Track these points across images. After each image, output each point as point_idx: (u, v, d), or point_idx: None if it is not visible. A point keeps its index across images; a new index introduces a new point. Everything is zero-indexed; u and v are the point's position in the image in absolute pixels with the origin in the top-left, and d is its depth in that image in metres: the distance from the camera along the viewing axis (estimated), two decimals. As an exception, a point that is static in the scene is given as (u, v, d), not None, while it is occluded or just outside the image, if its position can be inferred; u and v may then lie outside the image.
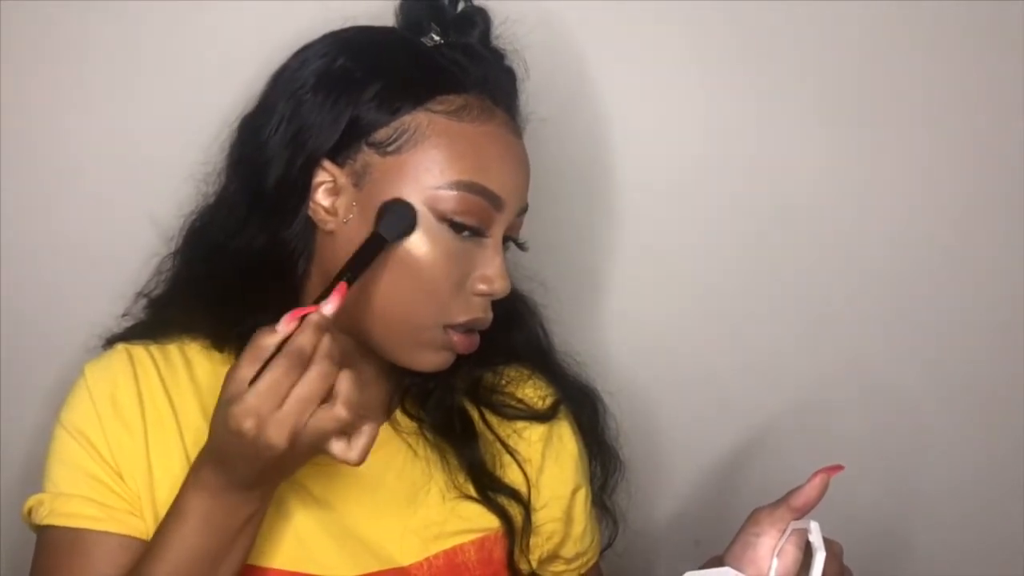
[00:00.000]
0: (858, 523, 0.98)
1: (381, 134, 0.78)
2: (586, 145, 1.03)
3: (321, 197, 0.79)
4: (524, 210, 0.83)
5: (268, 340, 0.68)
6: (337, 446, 0.69)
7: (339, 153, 0.78)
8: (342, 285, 0.72)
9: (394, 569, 0.82)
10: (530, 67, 0.87)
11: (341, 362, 0.69)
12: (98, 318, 0.91)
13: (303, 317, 0.69)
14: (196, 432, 0.81)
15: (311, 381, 0.67)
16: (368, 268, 0.75)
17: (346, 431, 0.69)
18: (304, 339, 0.67)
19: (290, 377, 0.67)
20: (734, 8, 1.01)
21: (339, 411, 0.67)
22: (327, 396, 0.68)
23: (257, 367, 0.67)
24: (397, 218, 0.77)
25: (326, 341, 0.68)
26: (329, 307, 0.70)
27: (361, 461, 0.69)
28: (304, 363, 0.67)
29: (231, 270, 0.81)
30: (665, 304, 1.08)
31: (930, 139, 1.06)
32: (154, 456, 0.80)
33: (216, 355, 0.84)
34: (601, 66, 1.01)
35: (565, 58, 1.00)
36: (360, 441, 0.69)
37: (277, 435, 0.66)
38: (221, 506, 0.72)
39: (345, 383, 0.68)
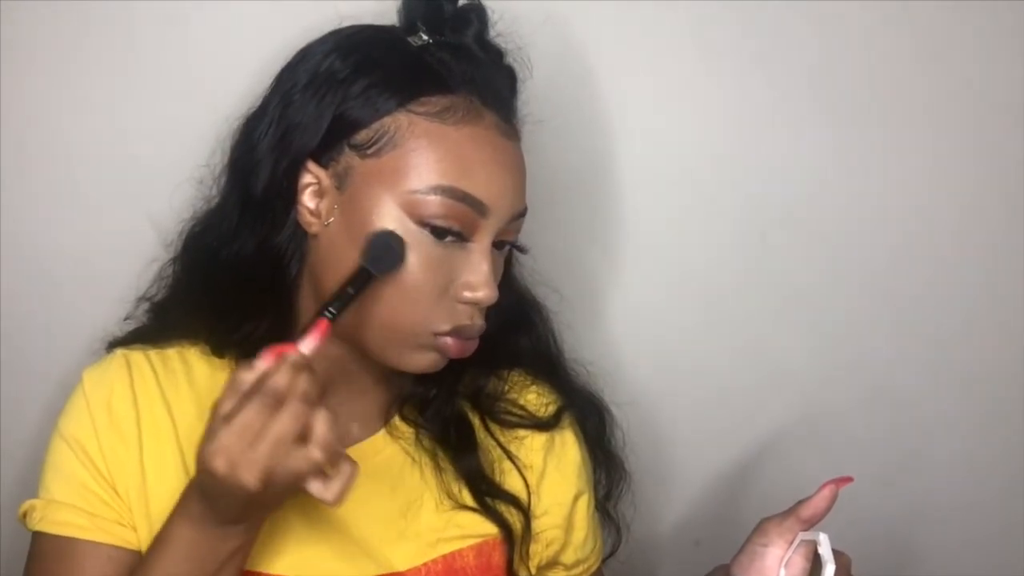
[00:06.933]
0: (862, 528, 0.97)
1: (362, 136, 0.76)
2: (594, 146, 1.02)
3: (307, 199, 0.78)
4: (521, 214, 0.81)
5: (246, 376, 0.67)
6: (315, 486, 0.67)
7: (323, 154, 0.77)
8: (321, 322, 0.70)
9: (392, 574, 0.81)
10: (535, 67, 0.85)
11: (326, 385, 0.68)
12: (101, 321, 0.91)
13: (282, 353, 0.68)
14: (193, 438, 0.80)
15: (283, 422, 0.65)
16: (355, 302, 0.73)
17: (323, 471, 0.67)
18: (280, 379, 0.66)
19: (262, 417, 0.65)
20: (740, 9, 1.00)
21: (313, 452, 0.66)
22: (303, 435, 0.66)
23: (235, 402, 0.66)
24: (384, 250, 0.74)
25: (302, 381, 0.67)
26: (307, 345, 0.69)
27: (337, 502, 0.68)
28: (279, 403, 0.66)
29: (226, 277, 0.80)
30: (674, 312, 1.08)
31: (936, 141, 1.05)
32: (148, 465, 0.80)
33: (216, 360, 0.84)
34: (608, 66, 1.00)
35: (571, 58, 0.99)
36: (337, 482, 0.67)
37: (249, 476, 0.65)
38: (206, 538, 0.71)
39: (321, 424, 0.66)
